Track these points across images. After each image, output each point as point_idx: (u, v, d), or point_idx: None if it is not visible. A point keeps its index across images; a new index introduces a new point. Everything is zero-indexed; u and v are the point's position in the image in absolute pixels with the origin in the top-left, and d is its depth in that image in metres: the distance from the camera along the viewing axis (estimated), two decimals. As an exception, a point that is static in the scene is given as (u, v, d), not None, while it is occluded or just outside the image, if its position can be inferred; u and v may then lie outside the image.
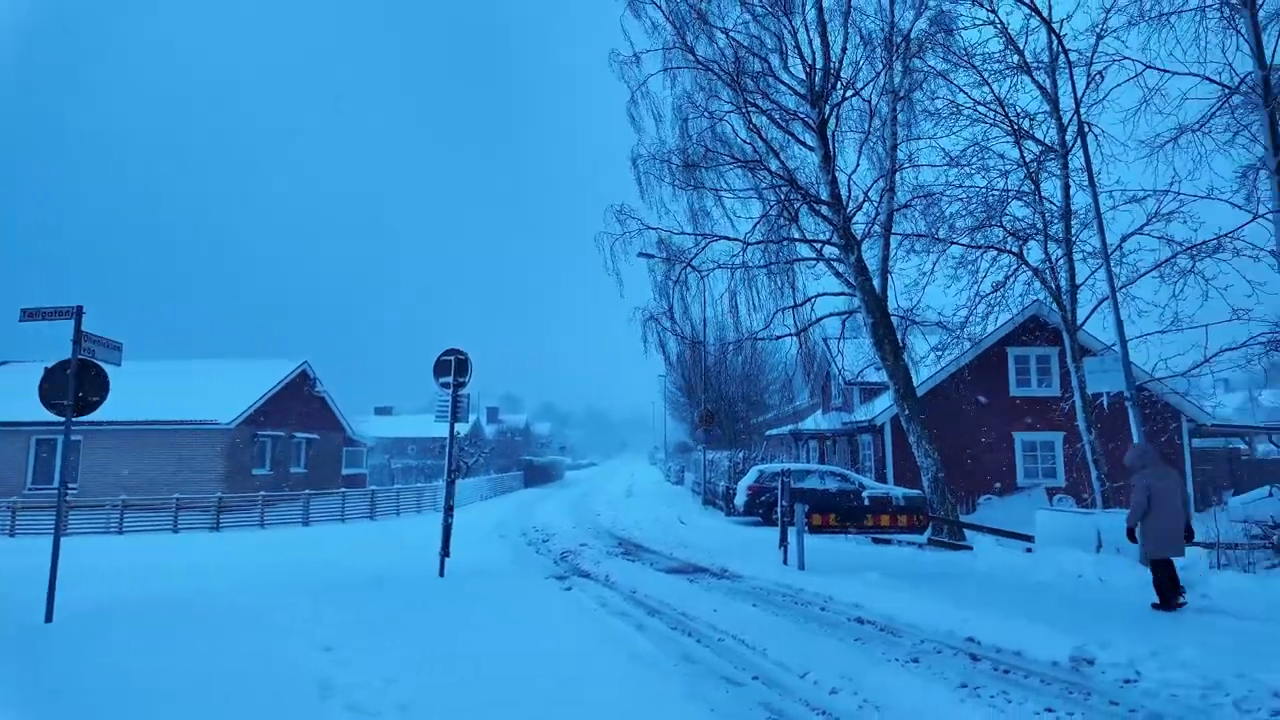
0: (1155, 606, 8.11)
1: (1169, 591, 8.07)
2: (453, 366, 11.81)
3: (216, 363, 30.38)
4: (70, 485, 22.04)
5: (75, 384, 8.45)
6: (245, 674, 5.93)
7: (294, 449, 30.36)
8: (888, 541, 15.10)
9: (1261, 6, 11.21)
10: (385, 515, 25.60)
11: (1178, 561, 8.27)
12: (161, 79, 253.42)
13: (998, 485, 21.26)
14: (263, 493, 23.41)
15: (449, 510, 11.76)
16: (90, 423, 14.24)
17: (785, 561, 11.81)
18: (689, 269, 16.89)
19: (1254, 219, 11.63)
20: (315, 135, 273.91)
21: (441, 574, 11.14)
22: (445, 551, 11.39)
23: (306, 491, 24.33)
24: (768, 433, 35.53)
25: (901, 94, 15.96)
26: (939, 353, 16.36)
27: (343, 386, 35.73)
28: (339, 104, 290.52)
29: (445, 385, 11.83)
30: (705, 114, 16.82)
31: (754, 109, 16.37)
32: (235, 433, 25.86)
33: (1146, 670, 5.77)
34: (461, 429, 16.31)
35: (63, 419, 8.55)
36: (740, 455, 30.89)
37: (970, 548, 13.61)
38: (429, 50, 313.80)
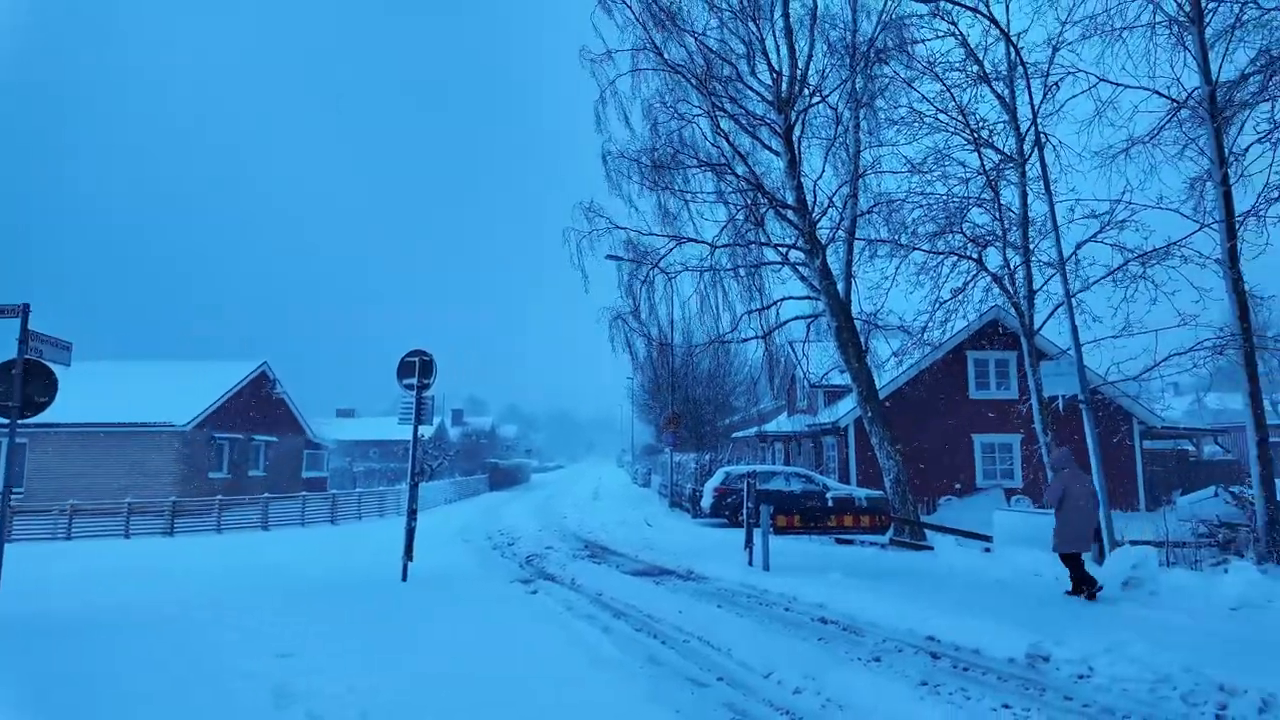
0: (1068, 593, 9.10)
1: (1082, 581, 8.98)
2: (417, 368, 11.67)
3: (173, 364, 29.62)
4: (15, 489, 21.23)
5: (21, 385, 8.17)
6: (196, 683, 5.78)
7: (253, 452, 29.70)
8: (851, 542, 15.29)
9: (1208, 24, 11.62)
10: (347, 519, 25.17)
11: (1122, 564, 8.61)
12: (143, 75, 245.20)
13: (958, 486, 21.68)
14: (219, 496, 22.84)
15: (412, 514, 11.61)
16: (37, 425, 13.75)
17: (750, 562, 11.89)
18: (656, 270, 16.94)
19: (1201, 228, 12.03)
20: (288, 135, 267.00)
21: (404, 578, 10.99)
22: (408, 555, 11.24)
23: (265, 495, 23.77)
24: (734, 435, 35.79)
25: (864, 101, 16.21)
26: (900, 357, 16.63)
27: (304, 388, 35.15)
28: (338, 103, 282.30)
29: (409, 387, 11.68)
30: (674, 116, 16.90)
31: (722, 113, 16.48)
32: (191, 435, 25.20)
33: (1099, 666, 5.93)
34: (425, 431, 16.11)
35: (6, 420, 8.26)
36: (707, 457, 31.06)
37: (931, 548, 13.84)
38: (415, 46, 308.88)
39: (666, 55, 16.57)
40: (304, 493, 26.27)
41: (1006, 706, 5.29)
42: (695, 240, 16.98)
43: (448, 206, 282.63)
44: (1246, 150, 11.55)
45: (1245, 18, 11.27)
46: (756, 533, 11.93)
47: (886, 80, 15.77)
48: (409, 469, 11.98)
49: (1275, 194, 11.14)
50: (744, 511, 12.98)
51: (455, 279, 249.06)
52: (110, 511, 21.38)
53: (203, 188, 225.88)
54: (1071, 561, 9.10)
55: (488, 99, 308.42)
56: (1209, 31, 11.63)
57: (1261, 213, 11.29)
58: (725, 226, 16.90)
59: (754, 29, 16.24)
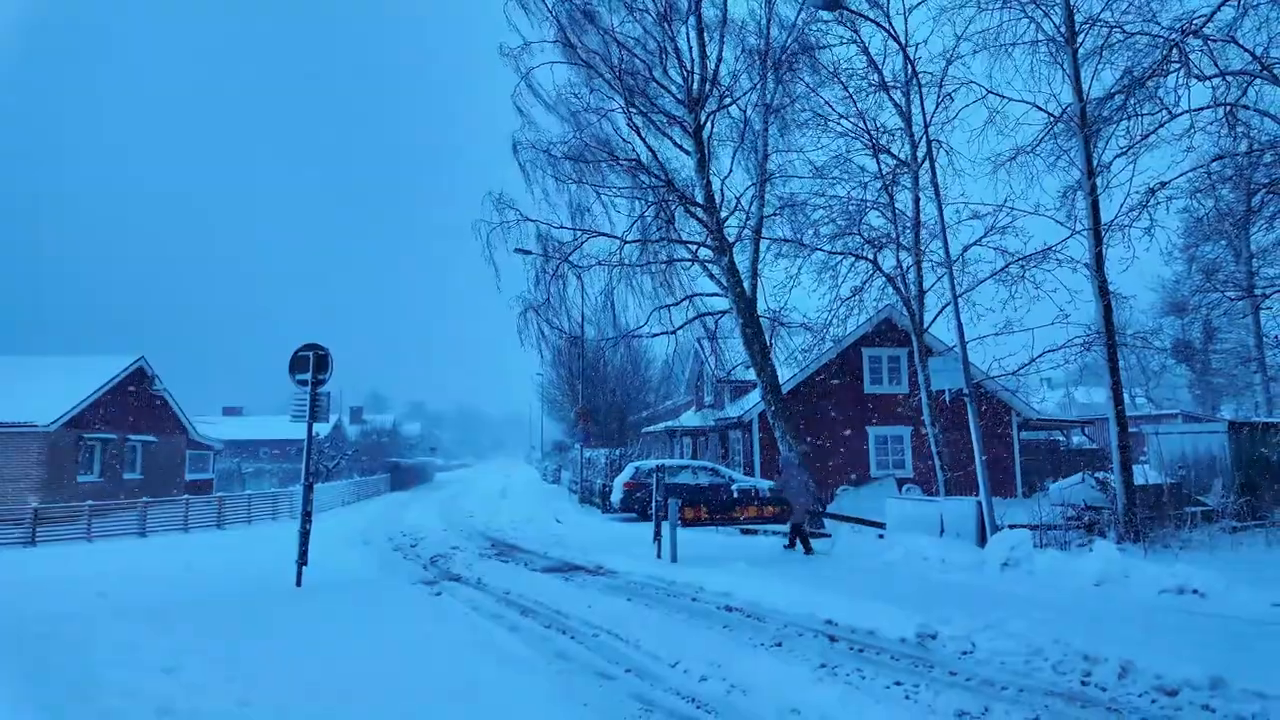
0: (785, 547, 12.70)
1: (799, 541, 12.54)
2: (311, 362, 11.08)
3: (38, 359, 27.04)
4: None
5: None
6: (71, 703, 5.30)
7: (128, 453, 27.57)
8: (755, 532, 15.72)
9: (1081, 45, 12.57)
10: (235, 523, 23.73)
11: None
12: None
13: (853, 476, 22.61)
14: (90, 502, 21.05)
15: (307, 516, 11.05)
16: None
17: (659, 555, 12.01)
18: (567, 264, 16.82)
19: (1072, 234, 13.05)
20: (174, 119, 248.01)
21: (299, 584, 10.47)
22: (303, 560, 10.70)
23: (143, 499, 22.10)
24: (644, 430, 36.03)
25: (773, 106, 16.65)
26: (805, 353, 17.20)
27: (188, 385, 32.98)
28: (231, 94, 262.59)
29: (303, 383, 11.08)
30: (588, 110, 16.83)
31: (635, 110, 16.53)
32: (56, 436, 23.13)
33: (980, 642, 6.33)
34: (321, 430, 15.40)
35: None
36: (617, 452, 31.12)
37: (829, 535, 14.41)
38: (308, 33, 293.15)
39: (582, 50, 16.47)
40: (187, 496, 24.59)
41: (898, 684, 5.56)
42: (605, 235, 16.98)
43: (351, 200, 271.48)
44: (1110, 164, 12.59)
45: (1112, 40, 12.27)
46: (665, 525, 12.06)
47: (797, 87, 16.29)
48: (303, 469, 11.41)
49: (1134, 204, 12.20)
50: (653, 505, 13.10)
51: (357, 274, 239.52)
52: (-41, 521, 19.33)
53: (72, 175, 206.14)
54: (794, 527, 12.78)
55: (388, 91, 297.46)
56: (1081, 51, 12.59)
57: (1123, 222, 12.34)
58: (635, 222, 16.97)
59: (668, 28, 16.37)
